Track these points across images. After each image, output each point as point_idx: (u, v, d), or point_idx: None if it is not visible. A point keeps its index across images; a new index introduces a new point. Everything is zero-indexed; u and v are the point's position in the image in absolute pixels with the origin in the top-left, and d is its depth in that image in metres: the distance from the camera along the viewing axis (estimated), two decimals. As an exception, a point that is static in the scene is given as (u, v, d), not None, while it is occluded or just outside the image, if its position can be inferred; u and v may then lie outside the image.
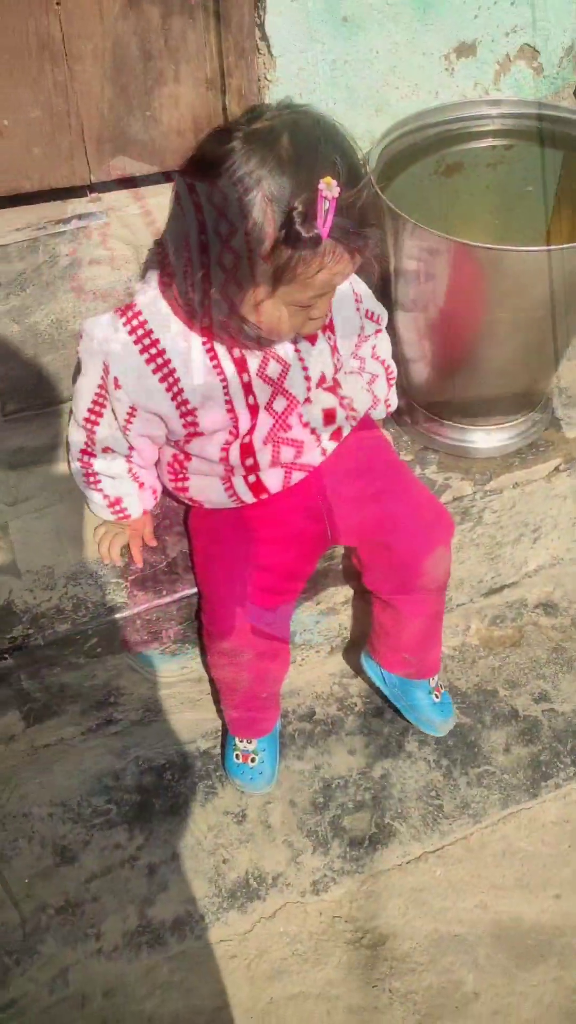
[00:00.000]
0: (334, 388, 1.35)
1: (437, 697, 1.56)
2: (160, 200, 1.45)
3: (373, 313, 1.37)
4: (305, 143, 0.98)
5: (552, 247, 1.25)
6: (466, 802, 1.53)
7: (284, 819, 1.52)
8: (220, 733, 1.61)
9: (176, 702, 1.60)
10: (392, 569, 1.40)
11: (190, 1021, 1.31)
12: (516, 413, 1.57)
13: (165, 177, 1.43)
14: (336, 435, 1.37)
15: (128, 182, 1.43)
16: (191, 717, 1.62)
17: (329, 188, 0.96)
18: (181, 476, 1.34)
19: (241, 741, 1.51)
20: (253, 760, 1.51)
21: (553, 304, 1.35)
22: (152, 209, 1.44)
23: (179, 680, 1.57)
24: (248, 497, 1.34)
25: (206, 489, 1.35)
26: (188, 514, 1.45)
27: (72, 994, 1.34)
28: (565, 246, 1.25)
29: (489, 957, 1.37)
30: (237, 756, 1.52)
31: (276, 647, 1.42)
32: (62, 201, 1.43)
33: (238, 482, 1.32)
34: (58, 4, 1.21)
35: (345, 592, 1.59)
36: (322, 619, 1.61)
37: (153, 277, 1.16)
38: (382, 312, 1.39)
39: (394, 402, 1.52)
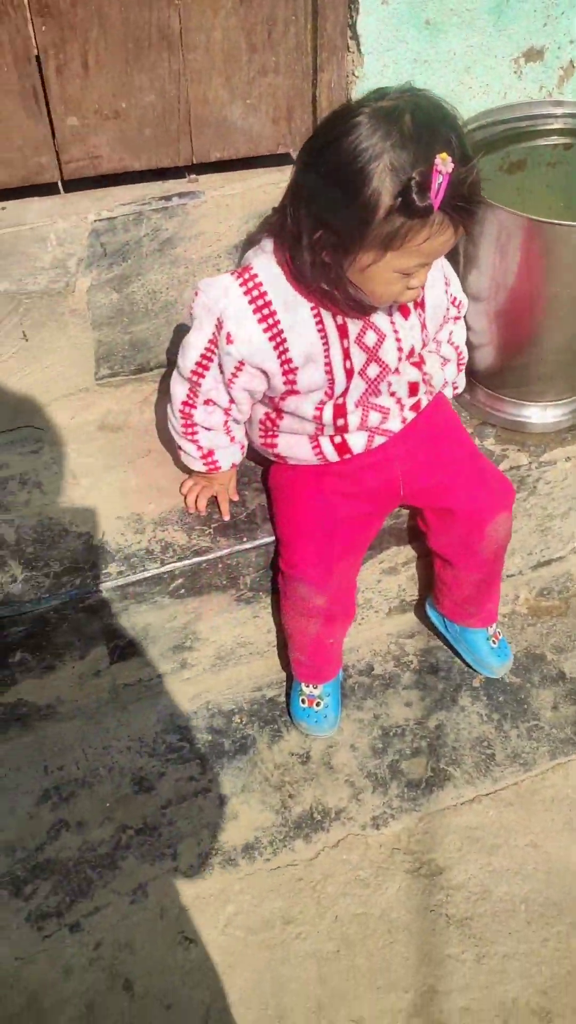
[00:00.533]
0: (419, 363, 1.45)
1: (495, 643, 1.68)
2: (253, 183, 1.59)
3: (457, 299, 1.49)
4: (425, 121, 1.08)
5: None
6: (516, 752, 1.63)
7: (345, 761, 1.62)
8: (285, 682, 1.72)
9: (246, 652, 1.72)
10: (457, 533, 1.53)
11: (264, 931, 1.41)
12: (569, 392, 1.69)
13: (260, 161, 1.57)
14: (416, 406, 1.48)
15: (225, 165, 1.56)
16: (260, 667, 1.74)
17: (444, 163, 1.05)
18: (272, 433, 1.45)
19: (307, 686, 1.62)
20: (318, 704, 1.62)
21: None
22: (245, 191, 1.57)
23: (251, 631, 1.68)
24: (333, 456, 1.44)
25: (294, 447, 1.45)
26: (268, 471, 1.57)
27: (151, 905, 1.44)
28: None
29: (539, 892, 1.47)
30: (303, 701, 1.62)
31: (344, 596, 1.54)
32: (165, 181, 1.57)
33: (325, 442, 1.43)
34: (177, 1, 1.35)
35: (407, 552, 1.70)
36: (384, 578, 1.72)
37: (269, 243, 1.27)
38: (464, 300, 1.51)
39: (462, 384, 1.64)
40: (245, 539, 1.54)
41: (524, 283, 1.52)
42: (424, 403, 1.50)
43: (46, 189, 1.55)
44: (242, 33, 1.42)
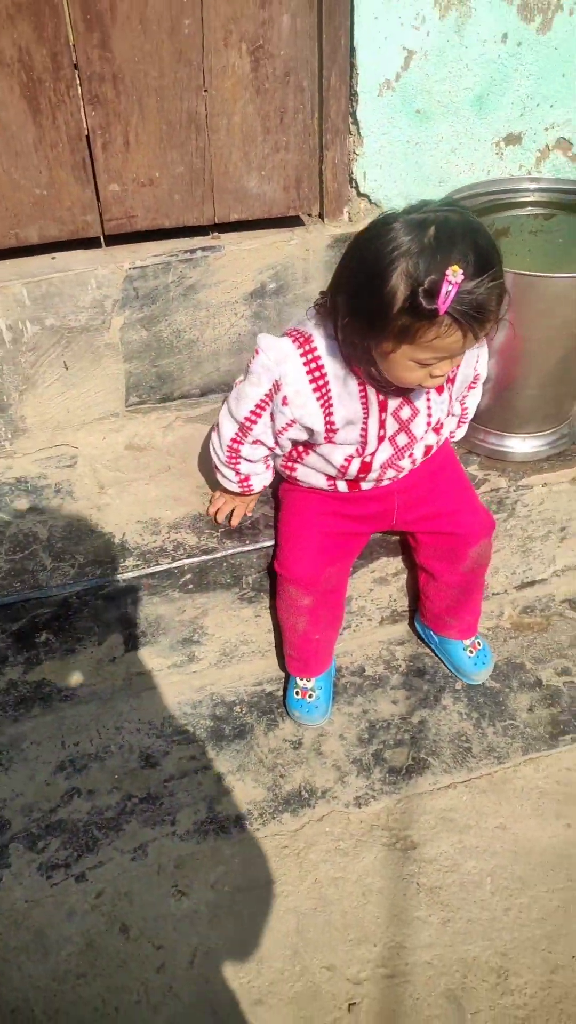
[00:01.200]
0: (439, 428, 1.62)
1: (472, 653, 1.85)
2: (267, 240, 1.86)
3: (479, 374, 1.63)
4: (447, 236, 1.19)
5: (570, 275, 1.60)
6: (492, 747, 1.78)
7: (334, 748, 1.78)
8: (283, 679, 1.90)
9: (248, 650, 1.91)
10: (443, 552, 1.73)
11: (249, 890, 1.56)
12: (547, 425, 1.90)
13: (273, 223, 1.85)
14: (424, 461, 1.66)
15: (243, 224, 1.84)
16: (261, 665, 1.92)
17: (454, 275, 1.16)
18: (295, 461, 1.62)
19: (300, 680, 1.80)
20: (311, 696, 1.79)
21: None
22: (260, 247, 1.85)
23: (253, 630, 1.88)
24: (343, 490, 1.63)
25: (311, 478, 1.63)
26: (279, 484, 1.77)
27: (150, 863, 1.60)
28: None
29: (505, 868, 1.60)
30: (297, 693, 1.80)
31: (331, 599, 1.73)
32: (192, 237, 1.85)
33: (341, 484, 1.61)
34: (205, 91, 1.66)
35: (396, 564, 1.90)
36: (375, 588, 1.91)
37: (326, 320, 1.39)
38: (484, 374, 1.65)
39: (460, 436, 1.81)
40: (248, 542, 1.76)
41: (504, 330, 1.74)
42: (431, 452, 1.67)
43: (90, 243, 1.84)
44: (258, 118, 1.72)
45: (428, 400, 1.51)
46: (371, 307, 1.24)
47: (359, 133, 1.79)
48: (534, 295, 1.65)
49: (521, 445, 1.91)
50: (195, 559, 1.72)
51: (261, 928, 1.51)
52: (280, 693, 1.88)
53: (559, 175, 1.97)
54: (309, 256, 1.88)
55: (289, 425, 1.48)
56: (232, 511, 1.78)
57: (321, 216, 1.89)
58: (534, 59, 1.81)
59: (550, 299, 1.64)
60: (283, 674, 1.91)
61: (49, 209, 1.73)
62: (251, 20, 1.62)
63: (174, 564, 1.72)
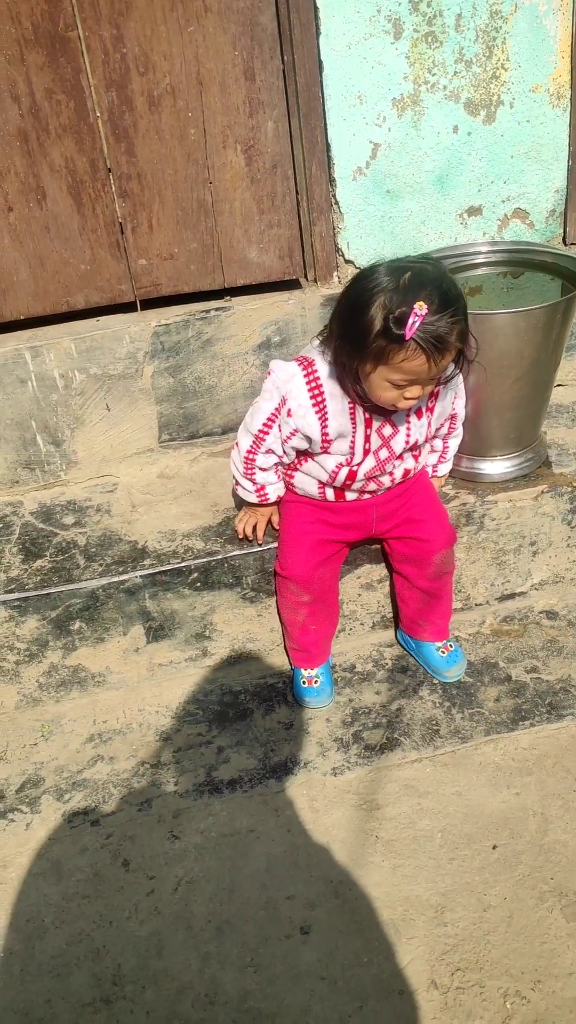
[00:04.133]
0: (417, 455, 1.93)
1: (444, 653, 2.09)
2: (268, 300, 2.24)
3: (456, 416, 1.95)
4: (418, 280, 1.49)
5: (501, 311, 1.90)
6: (457, 729, 2.00)
7: (319, 729, 2.04)
8: (285, 674, 2.17)
9: (255, 648, 2.21)
10: (412, 556, 2.01)
11: (232, 836, 1.83)
12: (510, 449, 2.16)
13: (270, 287, 2.23)
14: (400, 483, 1.96)
15: (247, 288, 2.24)
16: (266, 663, 2.22)
17: (420, 308, 1.46)
18: (294, 468, 1.93)
19: (306, 670, 2.09)
20: (316, 682, 2.07)
21: (521, 359, 1.98)
22: (263, 306, 2.23)
23: (258, 628, 2.18)
24: (331, 498, 1.93)
25: (304, 484, 1.94)
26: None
27: (152, 813, 1.89)
28: (512, 310, 1.89)
29: (455, 826, 1.81)
30: (304, 681, 2.08)
31: (325, 595, 2.03)
32: (209, 300, 2.26)
33: (329, 491, 1.92)
34: (210, 183, 2.09)
35: (379, 571, 2.18)
36: (363, 593, 2.19)
37: (326, 351, 1.70)
38: (461, 414, 1.96)
39: (442, 471, 2.09)
40: (245, 547, 2.08)
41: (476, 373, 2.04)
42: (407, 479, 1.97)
43: (128, 307, 2.27)
44: (254, 202, 2.13)
45: (408, 422, 1.81)
46: (355, 332, 1.55)
47: (340, 211, 2.17)
48: (481, 331, 1.94)
49: (491, 467, 2.18)
50: (201, 560, 2.06)
51: (237, 865, 1.77)
52: (280, 685, 2.16)
53: (519, 239, 2.29)
54: (306, 313, 2.25)
55: (293, 434, 1.79)
56: (255, 525, 2.07)
57: (315, 280, 2.26)
58: (484, 145, 2.16)
59: (495, 333, 1.93)
60: (284, 669, 2.20)
61: (92, 280, 2.18)
62: (243, 127, 2.05)
63: (183, 564, 2.06)
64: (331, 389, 1.72)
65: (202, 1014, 1.55)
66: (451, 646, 2.12)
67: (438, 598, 2.07)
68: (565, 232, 2.36)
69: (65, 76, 1.95)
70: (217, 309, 2.22)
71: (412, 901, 1.69)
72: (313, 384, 1.73)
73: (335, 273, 2.26)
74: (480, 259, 2.23)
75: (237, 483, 1.98)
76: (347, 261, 2.25)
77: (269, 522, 2.07)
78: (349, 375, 1.65)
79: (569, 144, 2.23)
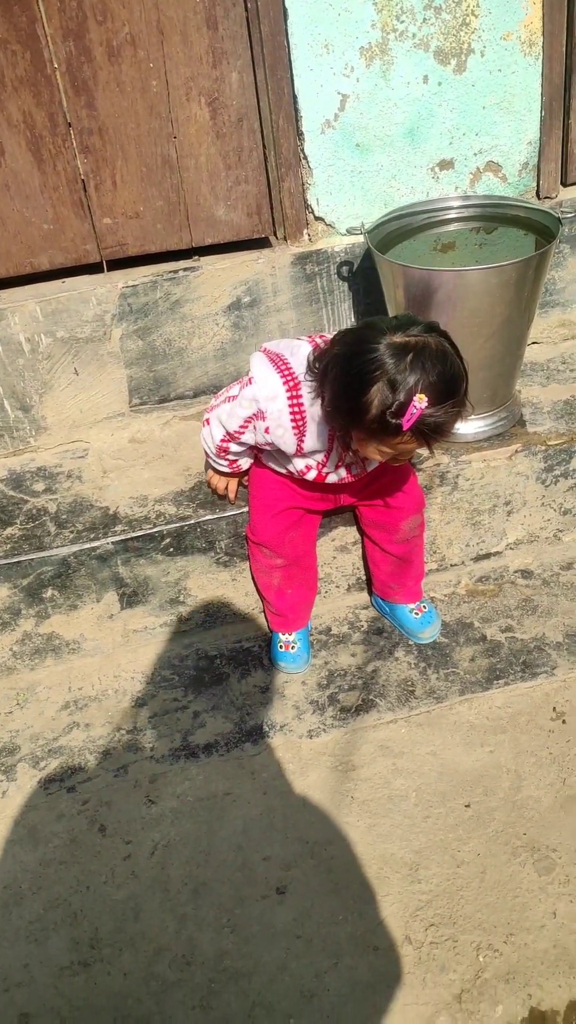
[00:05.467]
0: None
1: (417, 615, 2.09)
2: (237, 260, 2.20)
3: None
4: (420, 364, 1.41)
5: (471, 267, 1.87)
6: (432, 690, 2.01)
7: (295, 692, 2.04)
8: (260, 639, 2.17)
9: (230, 612, 2.20)
10: (380, 521, 2.00)
11: (208, 800, 1.83)
12: (484, 408, 2.14)
13: (238, 245, 2.18)
14: None
15: (215, 248, 2.19)
16: (242, 627, 2.21)
17: (420, 401, 1.40)
18: (261, 453, 1.90)
19: (283, 635, 2.08)
20: (293, 648, 2.07)
21: (493, 316, 1.95)
22: (232, 266, 2.19)
23: (232, 593, 2.17)
24: (298, 478, 1.89)
25: (272, 463, 1.90)
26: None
27: (129, 779, 1.90)
28: (484, 267, 1.86)
29: (429, 785, 1.82)
30: (281, 646, 2.08)
31: (300, 558, 2.01)
32: (176, 261, 2.21)
33: (297, 479, 1.89)
34: (175, 137, 2.03)
35: (353, 534, 2.16)
36: (338, 555, 2.18)
37: (311, 378, 1.62)
38: None
39: None
40: (217, 511, 2.06)
41: (432, 319, 2.01)
42: None
43: (94, 269, 2.22)
44: (220, 157, 2.07)
45: None
46: (350, 408, 1.49)
47: (309, 166, 2.12)
48: (453, 288, 1.92)
49: (465, 427, 2.16)
50: (173, 525, 2.04)
51: (214, 829, 1.78)
52: (256, 649, 2.16)
53: (492, 193, 2.24)
54: (276, 272, 2.21)
55: (268, 444, 1.76)
56: (227, 486, 2.04)
57: (285, 238, 2.22)
58: (455, 95, 2.10)
59: (467, 290, 1.90)
60: (259, 634, 2.19)
61: (55, 241, 2.12)
62: (206, 78, 1.99)
63: (155, 529, 2.03)
64: (313, 414, 1.67)
65: (179, 974, 1.56)
66: (425, 607, 2.12)
67: (409, 561, 2.06)
68: (538, 186, 2.32)
69: (20, 25, 1.88)
70: (185, 269, 2.17)
71: (387, 859, 1.70)
72: (296, 409, 1.68)
73: (305, 231, 2.21)
74: (452, 214, 2.19)
75: (208, 457, 1.96)
76: (317, 218, 2.20)
77: (240, 481, 2.06)
78: (338, 428, 1.60)
79: (542, 94, 2.18)
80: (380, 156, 2.14)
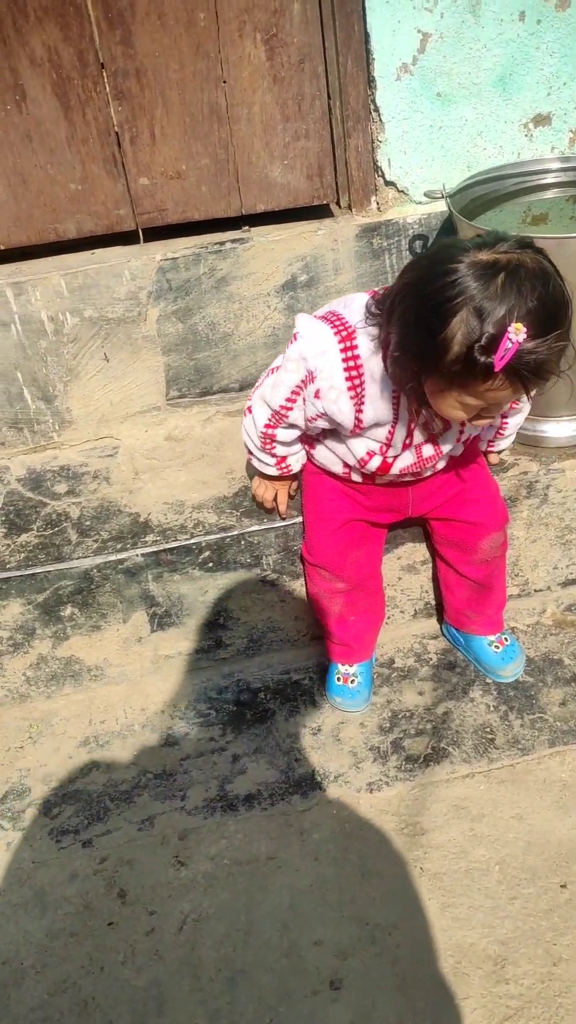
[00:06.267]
0: (472, 442, 1.60)
1: (498, 649, 1.78)
2: (295, 231, 1.90)
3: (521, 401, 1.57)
4: (515, 287, 1.13)
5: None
6: (516, 739, 1.69)
7: (352, 735, 1.74)
8: (312, 669, 1.87)
9: (277, 638, 1.90)
10: (456, 538, 1.70)
11: (248, 864, 1.53)
12: (582, 406, 1.83)
13: (294, 214, 1.89)
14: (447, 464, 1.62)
15: (268, 216, 1.90)
16: (291, 655, 1.91)
17: (516, 333, 1.11)
18: (315, 442, 1.60)
19: (343, 666, 1.78)
20: (353, 681, 1.77)
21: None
22: (288, 237, 1.89)
23: (280, 616, 1.87)
24: (357, 480, 1.60)
25: (326, 461, 1.60)
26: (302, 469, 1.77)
27: (155, 833, 1.61)
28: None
29: (516, 857, 1.50)
30: (338, 679, 1.78)
31: (365, 581, 1.72)
32: (223, 232, 1.92)
33: (355, 475, 1.59)
34: (224, 82, 1.74)
35: (423, 551, 1.85)
36: (404, 576, 1.87)
37: (376, 325, 1.34)
38: (526, 403, 1.60)
39: (500, 446, 1.74)
40: (265, 521, 1.77)
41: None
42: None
43: (129, 240, 1.93)
44: (277, 107, 1.78)
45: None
46: (425, 348, 1.20)
47: (380, 119, 1.81)
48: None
49: (557, 429, 1.84)
50: (213, 536, 1.75)
51: (255, 901, 1.48)
52: (307, 682, 1.86)
53: (596, 155, 1.93)
54: (338, 247, 1.91)
55: (318, 416, 1.46)
56: (276, 496, 1.74)
57: (349, 206, 1.92)
58: (556, 37, 1.79)
59: (567, 262, 1.58)
60: (311, 663, 1.89)
61: (84, 203, 1.84)
62: (263, 9, 1.70)
63: (192, 540, 1.74)
64: (373, 370, 1.37)
65: None
66: (506, 640, 1.80)
67: (488, 587, 1.75)
68: None
69: (47, -56, 1.61)
70: (234, 241, 1.88)
71: (465, 950, 1.39)
72: (352, 364, 1.37)
73: (373, 197, 1.91)
74: (549, 179, 1.88)
75: (252, 455, 1.65)
76: (388, 183, 1.89)
77: (289, 490, 1.76)
78: (407, 379, 1.29)
79: None
80: (465, 108, 1.83)
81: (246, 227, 1.92)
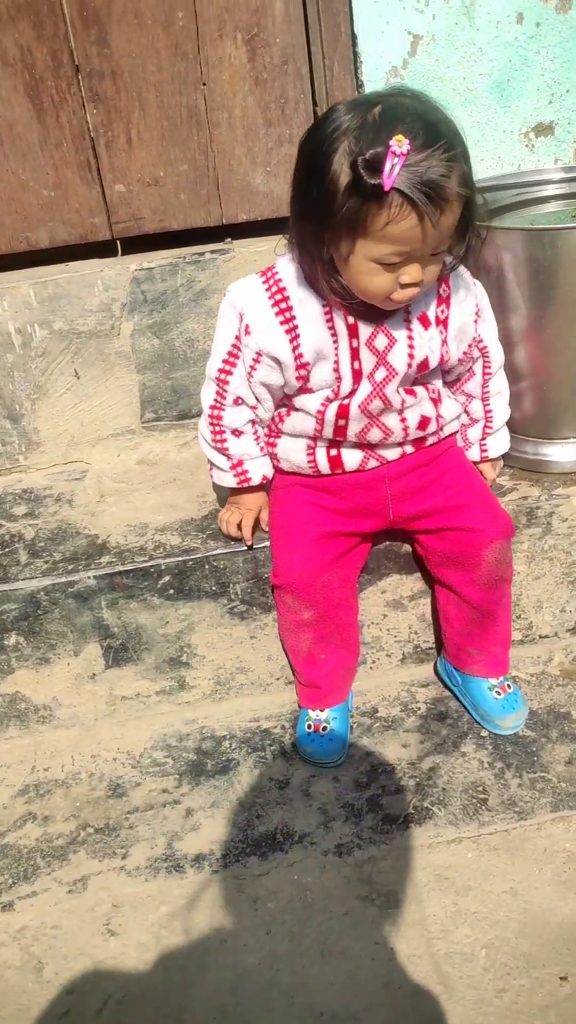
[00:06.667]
0: (437, 400, 1.45)
1: (499, 695, 1.56)
2: (274, 243, 1.77)
3: (483, 341, 1.46)
4: (393, 111, 1.09)
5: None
6: (513, 800, 1.45)
7: (324, 791, 1.51)
8: (285, 716, 1.66)
9: (247, 681, 1.70)
10: (454, 553, 1.50)
11: (187, 934, 1.30)
12: (588, 428, 1.65)
13: (277, 225, 1.78)
14: (419, 443, 1.47)
15: (251, 227, 1.79)
16: (263, 700, 1.70)
17: (399, 144, 1.05)
18: (275, 434, 1.48)
19: (312, 711, 1.58)
20: (324, 729, 1.55)
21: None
22: (270, 249, 1.77)
23: (251, 655, 1.67)
24: (325, 467, 1.45)
25: (291, 451, 1.47)
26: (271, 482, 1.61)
27: (87, 897, 1.38)
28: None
29: (507, 940, 1.25)
30: (309, 727, 1.57)
31: (338, 612, 1.53)
32: (206, 244, 1.81)
33: (321, 453, 1.44)
34: (204, 84, 1.66)
35: (411, 584, 1.66)
36: (390, 613, 1.67)
37: (291, 251, 1.32)
38: (492, 347, 1.48)
39: (495, 448, 1.59)
40: (233, 544, 1.59)
41: (532, 304, 1.55)
42: (428, 442, 1.49)
43: (104, 251, 1.83)
44: (259, 110, 1.69)
45: (410, 329, 1.34)
46: (317, 198, 1.16)
47: (370, 125, 1.72)
48: (549, 256, 1.46)
49: (561, 452, 1.67)
50: (174, 559, 1.57)
51: (190, 981, 1.24)
52: (277, 731, 1.64)
53: (601, 166, 1.81)
54: (326, 260, 1.79)
55: (256, 360, 1.36)
56: (240, 523, 1.57)
57: (337, 218, 1.81)
58: (557, 41, 1.70)
59: (570, 258, 1.44)
60: (285, 711, 1.68)
61: (57, 211, 1.76)
62: (244, 8, 1.63)
63: (151, 563, 1.57)
64: (299, 295, 1.32)
65: None
66: (509, 687, 1.58)
67: (492, 616, 1.53)
68: None
69: (22, -58, 1.57)
70: (213, 252, 1.77)
71: (439, 1055, 1.13)
72: (275, 290, 1.33)
73: (362, 209, 1.80)
74: (551, 190, 1.75)
75: (211, 464, 1.52)
76: (377, 193, 1.79)
77: (258, 520, 1.58)
78: (321, 266, 1.25)
79: None
80: (459, 115, 1.67)
81: (228, 239, 1.81)
